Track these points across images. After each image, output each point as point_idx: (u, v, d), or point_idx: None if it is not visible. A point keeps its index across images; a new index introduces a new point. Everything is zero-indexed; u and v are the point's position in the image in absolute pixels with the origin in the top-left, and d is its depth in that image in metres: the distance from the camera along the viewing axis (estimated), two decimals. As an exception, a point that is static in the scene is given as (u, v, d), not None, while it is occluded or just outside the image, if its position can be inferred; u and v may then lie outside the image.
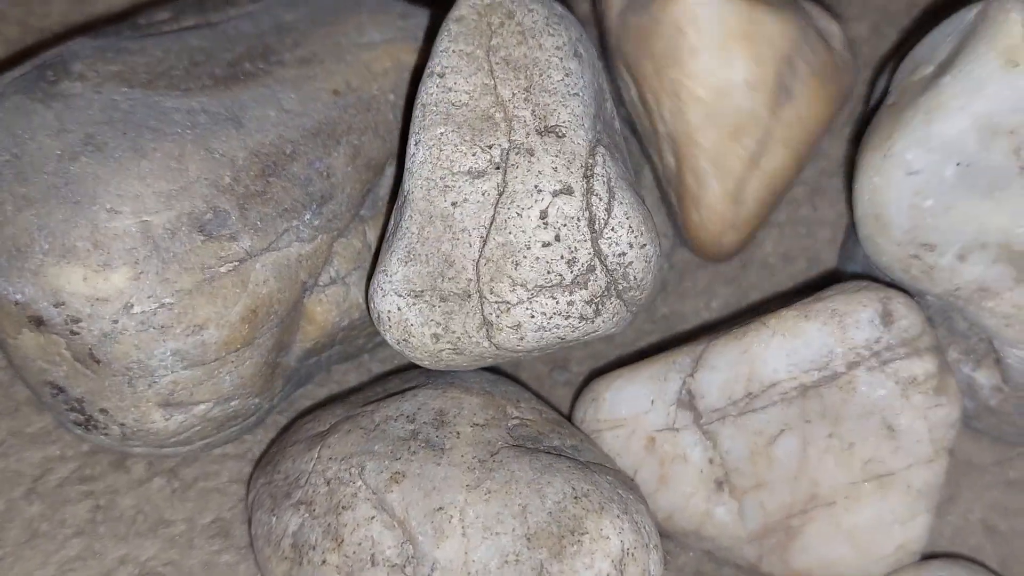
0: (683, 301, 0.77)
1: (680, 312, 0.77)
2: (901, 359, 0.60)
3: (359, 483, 0.57)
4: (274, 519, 0.60)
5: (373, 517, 0.56)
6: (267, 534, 0.60)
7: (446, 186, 0.56)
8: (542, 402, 0.67)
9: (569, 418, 0.70)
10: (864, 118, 0.77)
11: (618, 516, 0.56)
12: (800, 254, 0.78)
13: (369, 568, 0.55)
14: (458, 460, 0.58)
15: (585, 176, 0.56)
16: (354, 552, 0.56)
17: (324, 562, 0.56)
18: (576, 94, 0.56)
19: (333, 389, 0.72)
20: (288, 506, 0.59)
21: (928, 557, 0.67)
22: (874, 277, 0.67)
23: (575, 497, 0.56)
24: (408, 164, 0.57)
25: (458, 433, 0.59)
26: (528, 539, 0.55)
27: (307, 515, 0.58)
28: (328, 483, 0.58)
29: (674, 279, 0.78)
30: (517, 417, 0.63)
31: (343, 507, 0.57)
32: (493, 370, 0.72)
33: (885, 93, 0.68)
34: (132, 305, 0.54)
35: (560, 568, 0.54)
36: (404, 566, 0.55)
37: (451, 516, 0.55)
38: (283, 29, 0.62)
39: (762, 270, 0.78)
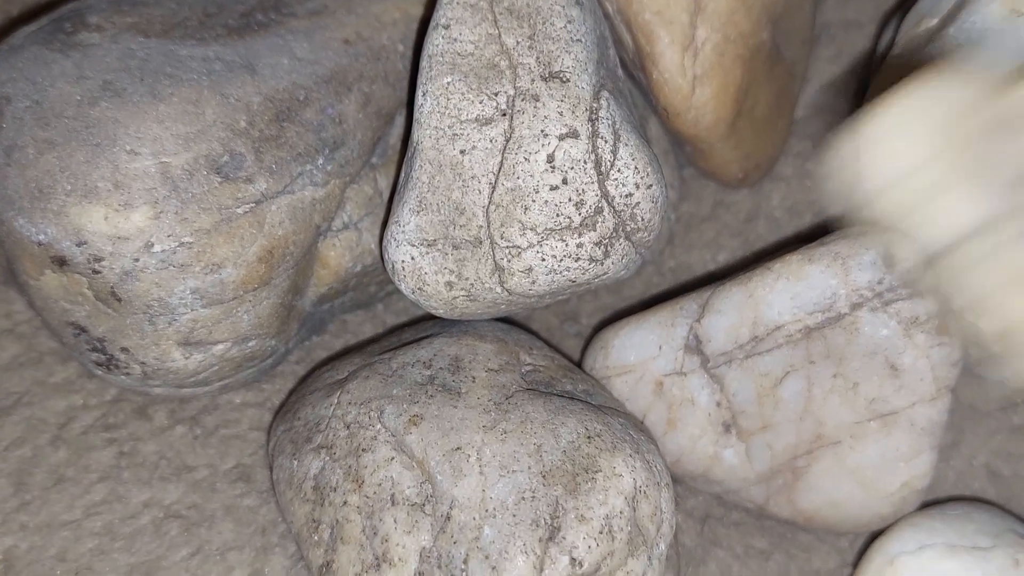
0: (690, 253, 0.78)
1: (687, 264, 0.78)
2: (903, 299, 0.61)
3: (378, 426, 0.59)
4: (295, 463, 0.62)
5: (392, 458, 0.57)
6: (289, 478, 0.62)
7: (454, 134, 0.57)
8: (554, 350, 0.68)
9: (580, 367, 0.71)
10: (868, 73, 0.78)
11: (630, 455, 0.57)
12: (806, 208, 0.78)
13: (389, 507, 0.56)
14: (474, 403, 0.59)
15: (590, 119, 0.56)
16: (374, 492, 0.57)
17: (345, 503, 0.58)
18: (579, 40, 0.57)
19: (349, 340, 0.73)
20: (309, 450, 0.61)
21: (945, 500, 0.68)
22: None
23: (588, 437, 0.57)
24: (416, 115, 0.58)
25: (474, 378, 0.61)
26: (544, 476, 0.56)
27: (328, 458, 0.60)
28: (348, 427, 0.60)
29: (681, 232, 0.79)
30: (530, 363, 0.64)
31: (363, 449, 0.58)
32: (506, 321, 0.73)
33: (891, 46, 0.69)
34: (152, 244, 0.55)
35: (575, 504, 0.55)
36: (423, 505, 0.56)
37: (468, 455, 0.56)
38: (294, -18, 0.64)
39: (768, 223, 0.78)
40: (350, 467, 0.58)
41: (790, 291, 0.63)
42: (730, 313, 0.64)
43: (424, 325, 0.70)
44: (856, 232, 0.64)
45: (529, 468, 0.56)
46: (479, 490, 0.55)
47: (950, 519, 0.64)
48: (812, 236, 0.76)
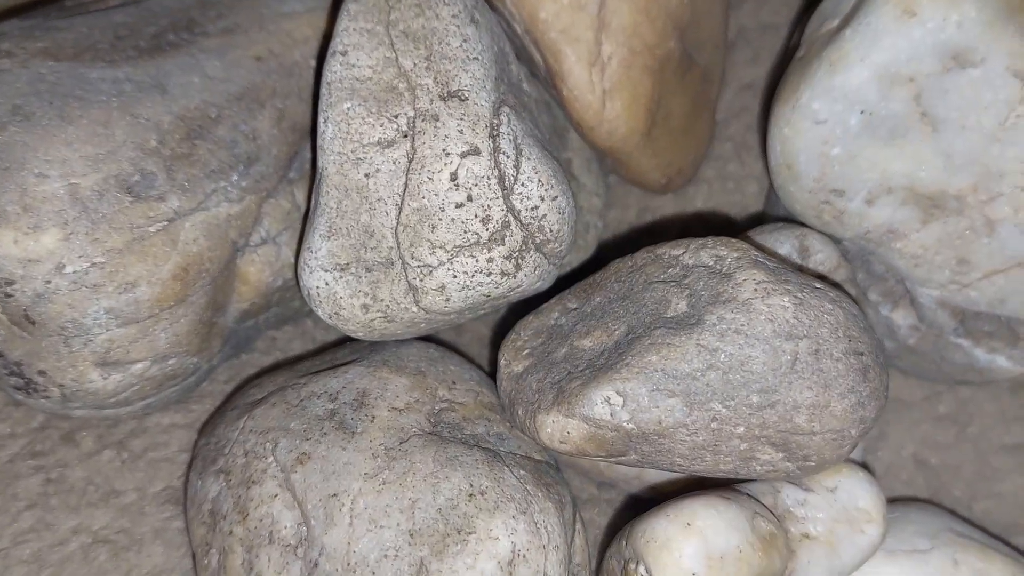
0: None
1: (614, 269, 0.79)
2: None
3: (270, 459, 0.58)
4: (200, 483, 0.61)
5: (276, 495, 0.57)
6: (193, 496, 0.62)
7: (358, 159, 0.57)
8: (485, 384, 0.67)
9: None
10: (780, 73, 0.80)
11: (513, 517, 0.55)
12: (729, 209, 0.80)
13: (266, 545, 0.56)
14: (365, 446, 0.58)
15: (491, 136, 0.57)
16: (255, 527, 0.57)
17: (231, 533, 0.58)
18: (476, 58, 0.58)
19: (278, 357, 0.73)
20: (212, 472, 0.61)
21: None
22: (796, 222, 0.70)
23: (470, 495, 0.56)
24: (320, 142, 0.58)
25: (373, 417, 0.60)
26: (411, 535, 0.54)
27: (225, 484, 0.59)
28: (246, 455, 0.60)
29: (608, 237, 0.80)
30: (447, 400, 0.63)
31: (253, 481, 0.58)
32: (446, 345, 0.73)
33: (796, 47, 0.71)
34: (64, 265, 0.55)
35: (439, 567, 0.54)
36: (297, 547, 0.56)
37: (343, 504, 0.56)
38: (206, 3, 0.64)
39: (694, 225, 0.80)
40: (239, 497, 0.58)
41: (708, 289, 0.64)
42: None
43: (359, 344, 0.70)
44: (772, 228, 0.66)
45: (398, 525, 0.55)
46: (345, 542, 0.55)
47: (888, 523, 0.65)
48: (735, 230, 0.78)
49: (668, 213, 0.81)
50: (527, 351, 0.61)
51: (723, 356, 0.53)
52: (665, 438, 0.54)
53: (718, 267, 0.56)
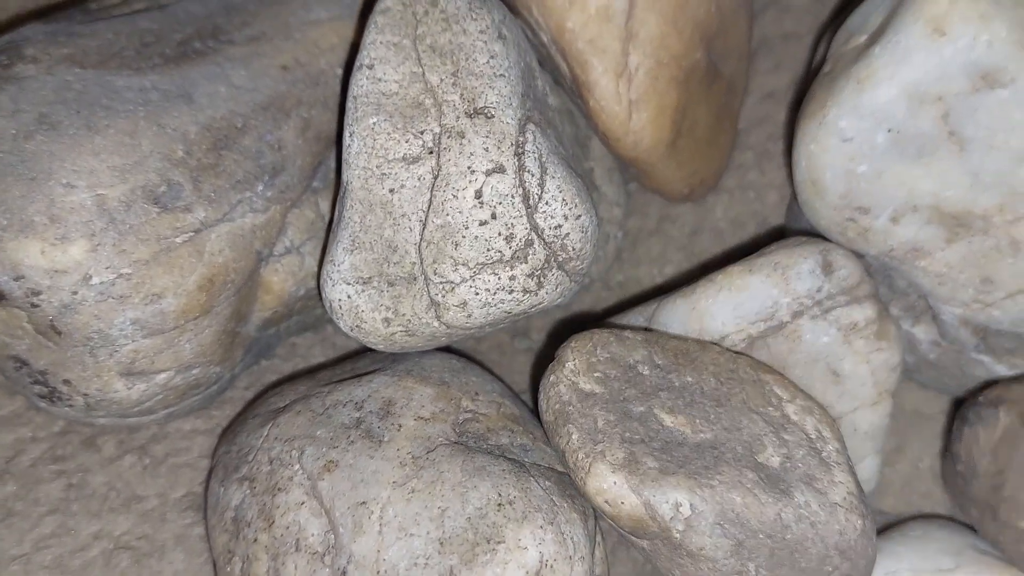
0: (637, 268, 0.79)
1: (635, 278, 0.79)
2: (842, 307, 0.63)
3: (297, 467, 0.58)
4: (222, 490, 0.62)
5: (303, 503, 0.57)
6: (215, 504, 0.62)
7: (383, 174, 0.57)
8: (507, 395, 0.67)
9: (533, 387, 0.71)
10: (805, 84, 0.79)
11: (541, 527, 0.56)
12: (750, 219, 0.80)
13: (292, 552, 0.56)
14: (392, 455, 0.58)
15: (516, 154, 0.57)
16: (281, 535, 0.57)
17: (256, 540, 0.58)
18: (502, 75, 0.58)
19: (298, 364, 0.73)
20: (235, 479, 0.61)
21: (907, 519, 0.70)
22: (819, 235, 0.69)
23: (499, 504, 0.56)
24: (345, 155, 0.58)
25: (400, 426, 0.60)
26: (441, 544, 0.54)
27: (248, 491, 0.59)
28: (271, 462, 0.60)
29: (628, 247, 0.80)
30: (470, 411, 0.63)
31: (279, 488, 0.58)
32: (462, 355, 0.73)
33: (822, 62, 0.70)
34: (91, 276, 0.55)
35: (469, 575, 0.54)
36: (324, 555, 0.56)
37: (371, 512, 0.56)
38: (232, 10, 0.64)
39: (713, 235, 0.80)
40: (264, 505, 0.58)
41: (732, 302, 0.64)
42: (675, 326, 0.65)
43: (378, 355, 0.70)
44: (795, 243, 0.66)
45: (428, 533, 0.55)
46: (375, 550, 0.55)
47: (911, 541, 0.65)
48: (755, 247, 0.78)
49: (688, 222, 0.80)
50: (599, 374, 0.59)
51: (788, 535, 0.54)
52: (693, 559, 0.54)
53: (819, 447, 0.57)
